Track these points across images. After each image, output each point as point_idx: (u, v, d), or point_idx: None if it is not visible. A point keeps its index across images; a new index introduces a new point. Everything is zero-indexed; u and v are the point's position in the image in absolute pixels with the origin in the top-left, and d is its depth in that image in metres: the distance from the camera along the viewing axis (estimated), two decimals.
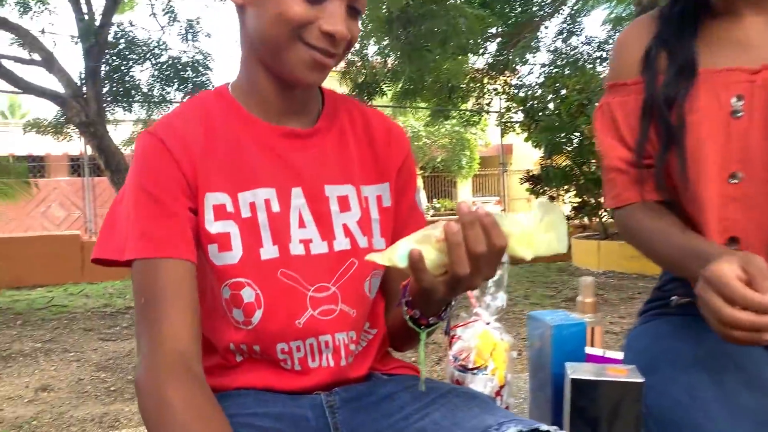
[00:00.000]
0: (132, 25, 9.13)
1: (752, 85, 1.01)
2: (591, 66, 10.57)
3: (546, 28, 11.03)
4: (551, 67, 10.98)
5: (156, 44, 9.04)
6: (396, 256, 0.77)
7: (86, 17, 8.26)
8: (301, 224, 0.91)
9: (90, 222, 11.58)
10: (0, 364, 4.10)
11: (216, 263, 0.88)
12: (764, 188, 1.01)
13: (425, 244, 0.77)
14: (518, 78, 11.59)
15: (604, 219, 8.55)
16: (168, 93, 9.06)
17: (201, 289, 0.91)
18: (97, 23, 8.18)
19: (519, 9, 10.45)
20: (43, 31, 8.55)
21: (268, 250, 0.89)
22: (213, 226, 0.88)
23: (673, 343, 1.06)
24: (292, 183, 0.92)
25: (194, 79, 8.94)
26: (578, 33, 11.10)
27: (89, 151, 9.59)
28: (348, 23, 0.85)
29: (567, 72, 9.87)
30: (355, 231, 0.95)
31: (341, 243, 0.93)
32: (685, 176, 1.03)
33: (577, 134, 8.09)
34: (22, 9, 9.00)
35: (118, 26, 9.00)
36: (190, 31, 9.08)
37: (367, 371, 0.99)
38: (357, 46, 9.67)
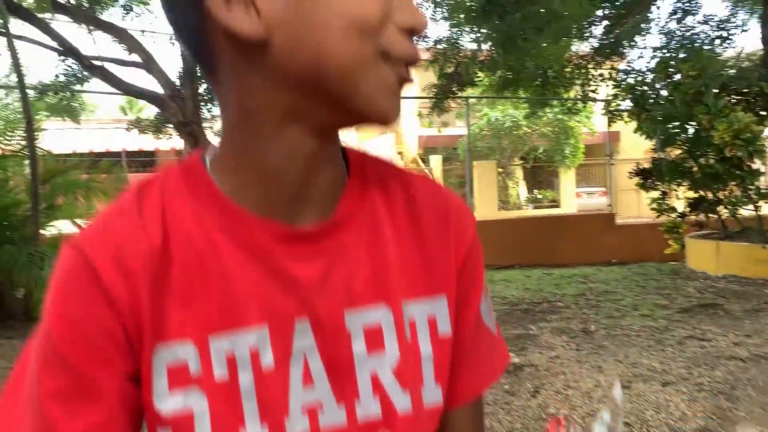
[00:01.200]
0: None
1: None
2: (709, 48, 9.66)
3: (658, 7, 10.23)
4: (663, 51, 10.16)
5: None
6: None
7: None
8: (307, 379, 0.58)
9: None
10: None
11: None
12: None
13: None
14: (626, 63, 10.83)
15: (724, 216, 7.76)
16: None
17: None
18: None
19: None
20: (143, 32, 8.81)
21: None
22: (167, 402, 0.55)
23: None
24: (295, 312, 0.58)
25: None
26: (695, 11, 10.20)
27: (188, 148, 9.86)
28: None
29: (682, 56, 9.05)
30: (390, 385, 0.60)
31: (367, 406, 0.60)
32: None
33: (693, 123, 7.40)
34: (125, 11, 9.35)
35: None
36: None
37: None
38: (444, 34, 9.37)
